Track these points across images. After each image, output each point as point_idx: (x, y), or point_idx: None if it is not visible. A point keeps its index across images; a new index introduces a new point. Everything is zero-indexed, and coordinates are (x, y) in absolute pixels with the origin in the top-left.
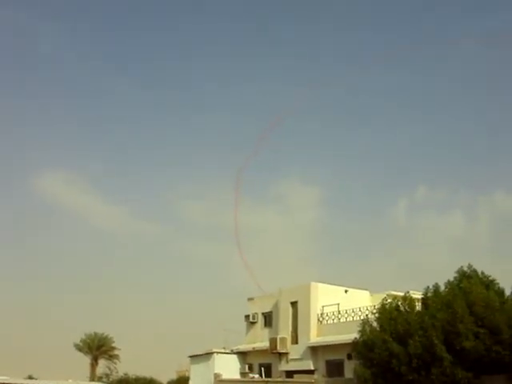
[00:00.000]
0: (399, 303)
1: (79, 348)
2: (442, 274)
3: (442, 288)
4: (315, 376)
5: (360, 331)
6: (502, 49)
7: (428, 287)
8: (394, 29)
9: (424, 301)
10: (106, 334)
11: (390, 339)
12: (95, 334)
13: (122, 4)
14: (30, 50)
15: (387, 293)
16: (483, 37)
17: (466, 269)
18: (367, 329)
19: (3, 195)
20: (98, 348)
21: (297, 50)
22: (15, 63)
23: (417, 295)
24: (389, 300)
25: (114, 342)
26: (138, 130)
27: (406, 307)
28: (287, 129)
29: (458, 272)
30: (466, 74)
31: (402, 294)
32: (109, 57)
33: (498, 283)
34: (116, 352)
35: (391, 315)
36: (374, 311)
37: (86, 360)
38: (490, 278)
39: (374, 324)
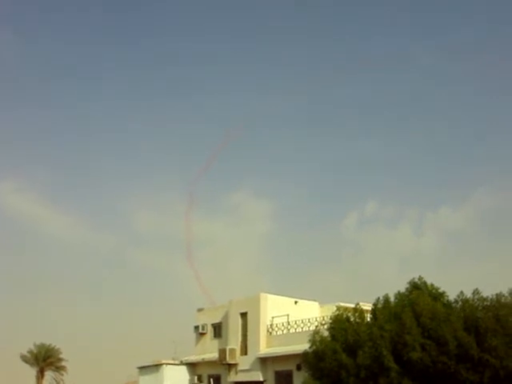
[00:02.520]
0: (349, 314)
1: (25, 359)
2: (392, 287)
3: (393, 300)
4: None
5: (310, 341)
6: (457, 65)
7: (378, 298)
8: (355, 42)
9: (373, 312)
10: (53, 345)
11: (340, 350)
12: (42, 344)
13: None
14: None
15: (336, 304)
16: (441, 52)
17: (417, 281)
18: (318, 339)
19: None
20: (44, 359)
21: (252, 63)
22: None
23: (367, 307)
24: (340, 311)
25: (61, 353)
26: (89, 139)
27: (357, 318)
28: (241, 141)
29: (409, 283)
30: (420, 91)
31: (351, 305)
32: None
33: (447, 295)
34: (63, 363)
35: (343, 326)
36: (324, 322)
37: (32, 372)
38: (440, 291)
39: (325, 334)
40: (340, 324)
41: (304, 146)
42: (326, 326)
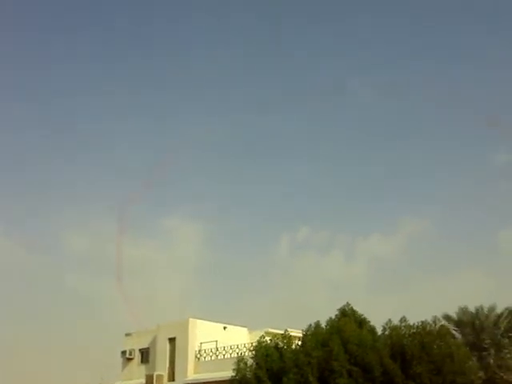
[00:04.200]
0: (278, 341)
1: None
2: (323, 313)
3: (324, 326)
4: None
5: (235, 369)
6: (398, 100)
7: (310, 325)
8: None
9: (303, 339)
10: None
11: (266, 377)
12: None
13: None
14: None
15: (265, 330)
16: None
17: (345, 308)
18: (242, 366)
19: None
20: None
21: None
22: None
23: (296, 333)
24: (266, 337)
25: None
26: (23, 158)
27: (284, 345)
28: (176, 165)
29: (339, 310)
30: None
31: (280, 331)
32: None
33: (369, 321)
34: None
35: (267, 352)
36: (251, 348)
37: None
38: (362, 317)
39: (250, 362)
40: (264, 350)
41: (237, 171)
42: (252, 353)
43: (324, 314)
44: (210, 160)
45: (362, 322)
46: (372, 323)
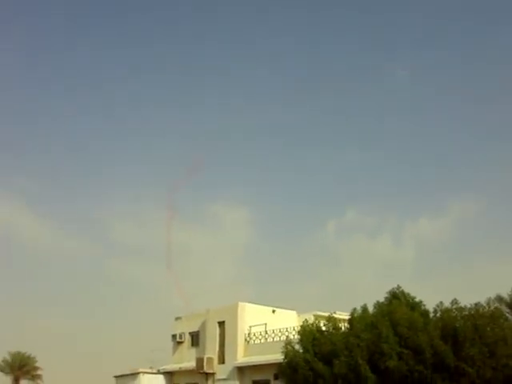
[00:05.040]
0: (322, 324)
1: (1, 368)
2: (371, 296)
3: (371, 309)
4: None
5: (283, 352)
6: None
7: (355, 308)
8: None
9: (350, 321)
10: (28, 353)
11: (315, 359)
12: (18, 353)
13: None
14: None
15: (313, 313)
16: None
17: (395, 290)
18: (290, 349)
19: None
20: (20, 368)
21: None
22: None
23: (343, 316)
24: (310, 321)
25: (36, 361)
26: (65, 149)
27: (331, 328)
28: (220, 151)
29: (388, 293)
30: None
31: (328, 314)
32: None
33: (423, 305)
34: (39, 372)
35: (314, 336)
36: (300, 331)
37: (7, 380)
38: (416, 300)
39: (297, 345)
40: (310, 334)
41: (282, 155)
42: (298, 336)
43: (373, 296)
44: (256, 145)
45: (414, 305)
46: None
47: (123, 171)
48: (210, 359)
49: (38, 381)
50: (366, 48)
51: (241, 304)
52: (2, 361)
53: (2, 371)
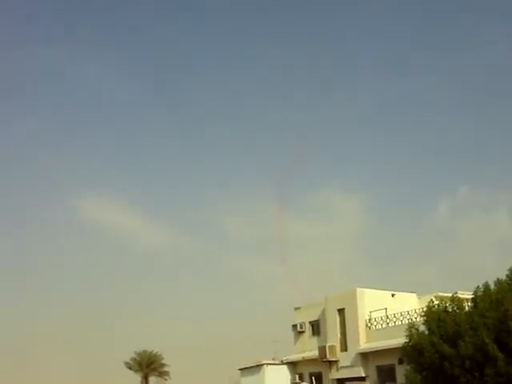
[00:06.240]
0: (447, 304)
1: (130, 366)
2: (491, 274)
3: (492, 287)
4: (367, 383)
5: (407, 336)
6: None
7: (478, 287)
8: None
9: (473, 300)
10: (155, 351)
11: (440, 341)
12: (145, 351)
13: None
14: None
15: (434, 294)
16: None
17: None
18: (414, 332)
19: (45, 217)
20: (148, 365)
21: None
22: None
23: (465, 295)
24: (435, 302)
25: (163, 358)
26: (173, 148)
27: (455, 308)
28: (325, 139)
29: (509, 270)
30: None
31: (449, 295)
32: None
33: None
34: (166, 368)
35: (439, 317)
36: (422, 314)
37: (137, 378)
38: None
39: (421, 327)
40: (435, 315)
41: (387, 137)
42: (421, 319)
43: (492, 274)
44: (360, 129)
45: None
46: None
47: (230, 169)
48: (332, 347)
49: (166, 377)
50: None
51: (359, 290)
52: (131, 360)
53: (131, 369)
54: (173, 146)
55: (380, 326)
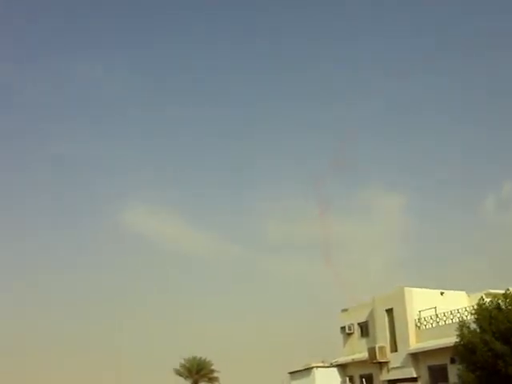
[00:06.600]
0: (499, 301)
1: (179, 373)
2: None
3: None
4: (419, 383)
5: (458, 334)
6: None
7: None
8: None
9: None
10: (204, 357)
11: (493, 339)
12: (194, 357)
13: None
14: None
15: (485, 292)
16: None
17: None
18: (466, 331)
19: (93, 228)
20: (197, 372)
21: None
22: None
23: None
24: (486, 299)
25: (212, 364)
26: (211, 155)
27: (507, 305)
28: (364, 138)
29: None
30: None
31: (501, 291)
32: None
33: None
34: (215, 374)
35: (491, 314)
36: (473, 312)
37: None
38: None
39: (472, 325)
40: (487, 312)
41: (428, 134)
42: (472, 317)
43: None
44: (399, 127)
45: None
46: None
47: (269, 170)
48: (381, 348)
49: (216, 383)
50: None
51: (407, 289)
52: (180, 366)
53: (181, 376)
54: (212, 149)
55: (430, 326)
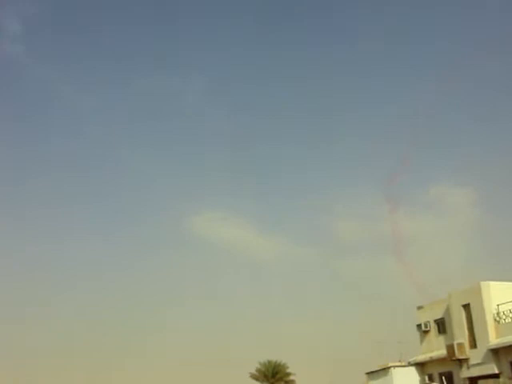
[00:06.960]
0: None
1: (255, 377)
2: None
3: None
4: (501, 380)
5: None
6: None
7: None
8: None
9: None
10: (279, 360)
11: None
12: (269, 361)
13: None
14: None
15: None
16: None
17: None
18: None
19: (166, 236)
20: (273, 375)
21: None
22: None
23: None
24: None
25: (288, 367)
26: (287, 162)
27: None
28: (431, 134)
29: None
30: None
31: None
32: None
33: None
34: (292, 378)
35: None
36: None
37: None
38: None
39: None
40: None
41: (495, 130)
42: None
43: None
44: (462, 122)
45: None
46: None
47: (338, 171)
48: (460, 345)
49: None
50: None
51: (483, 283)
52: (256, 370)
53: (257, 380)
54: (281, 154)
55: (510, 320)
